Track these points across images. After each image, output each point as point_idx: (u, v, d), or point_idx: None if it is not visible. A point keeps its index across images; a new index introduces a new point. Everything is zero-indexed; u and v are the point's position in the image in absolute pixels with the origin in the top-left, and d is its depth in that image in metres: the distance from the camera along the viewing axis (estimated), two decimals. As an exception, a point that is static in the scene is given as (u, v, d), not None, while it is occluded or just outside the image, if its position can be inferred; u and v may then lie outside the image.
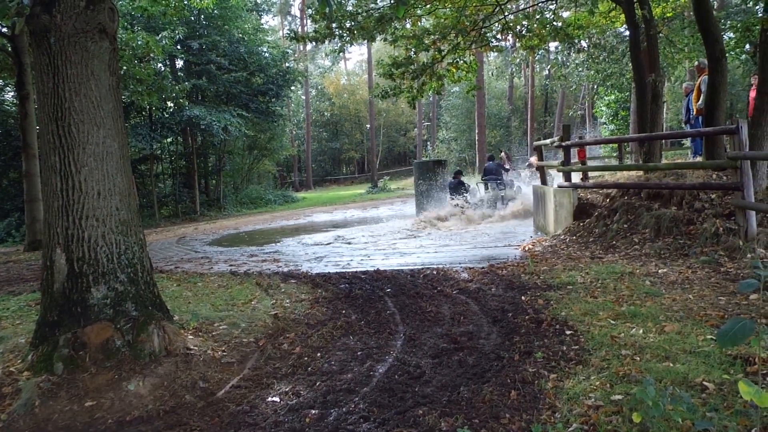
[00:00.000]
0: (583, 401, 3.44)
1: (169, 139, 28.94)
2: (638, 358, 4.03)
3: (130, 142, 21.90)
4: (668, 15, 17.40)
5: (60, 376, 4.19)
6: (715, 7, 20.43)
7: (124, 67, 17.13)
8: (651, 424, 2.94)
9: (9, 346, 5.15)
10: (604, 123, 30.25)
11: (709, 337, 4.30)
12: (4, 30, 15.13)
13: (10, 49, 15.61)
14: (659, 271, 6.84)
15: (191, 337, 5.11)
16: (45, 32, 4.45)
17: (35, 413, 3.89)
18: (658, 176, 9.80)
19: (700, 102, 11.88)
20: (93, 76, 4.57)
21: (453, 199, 17.25)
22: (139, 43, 17.45)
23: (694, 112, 12.62)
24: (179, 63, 29.12)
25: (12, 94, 24.16)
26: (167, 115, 26.43)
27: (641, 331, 4.62)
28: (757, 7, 17.62)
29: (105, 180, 4.58)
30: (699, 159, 10.75)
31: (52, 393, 4.04)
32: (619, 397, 3.42)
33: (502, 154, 21.56)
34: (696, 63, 13.92)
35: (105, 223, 4.56)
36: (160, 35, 21.29)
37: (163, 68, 26.57)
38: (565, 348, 4.44)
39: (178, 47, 25.72)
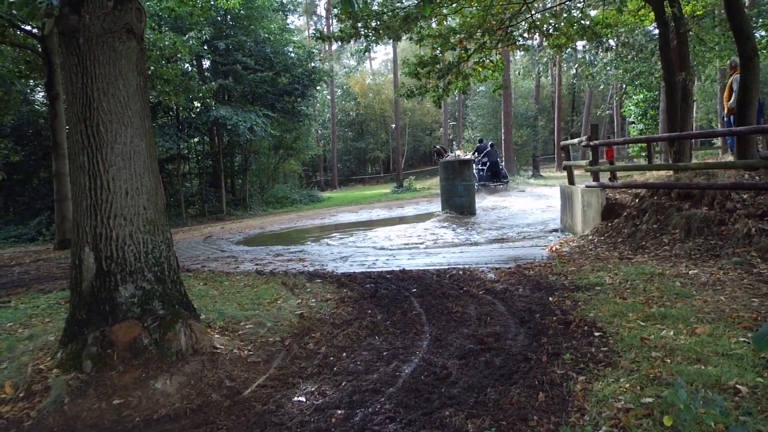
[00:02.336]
0: (613, 404, 3.38)
1: (195, 139, 29.17)
2: (669, 360, 3.96)
3: (157, 142, 22.09)
4: (699, 13, 17.16)
5: (88, 374, 4.22)
6: (747, 4, 20.09)
7: (152, 68, 17.29)
8: (683, 427, 2.89)
9: (39, 343, 5.21)
10: (633, 122, 29.99)
11: (742, 339, 4.22)
12: (35, 31, 15.35)
13: (40, 50, 15.84)
14: (690, 272, 6.73)
15: (218, 336, 5.13)
16: (74, 33, 4.48)
17: (64, 411, 3.92)
18: (688, 176, 9.66)
19: (731, 101, 11.71)
20: (121, 76, 4.59)
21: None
22: (167, 43, 17.61)
23: (726, 111, 12.46)
24: (206, 63, 29.35)
25: (42, 94, 24.52)
26: (194, 115, 26.64)
27: (672, 332, 4.54)
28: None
29: (133, 179, 4.60)
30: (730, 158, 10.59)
31: (81, 391, 4.08)
32: (650, 399, 3.36)
33: (438, 147, 24.52)
34: (729, 62, 13.72)
35: (132, 222, 4.58)
36: (187, 36, 21.48)
37: (190, 68, 26.78)
38: (593, 350, 4.37)
39: (205, 47, 25.88)
